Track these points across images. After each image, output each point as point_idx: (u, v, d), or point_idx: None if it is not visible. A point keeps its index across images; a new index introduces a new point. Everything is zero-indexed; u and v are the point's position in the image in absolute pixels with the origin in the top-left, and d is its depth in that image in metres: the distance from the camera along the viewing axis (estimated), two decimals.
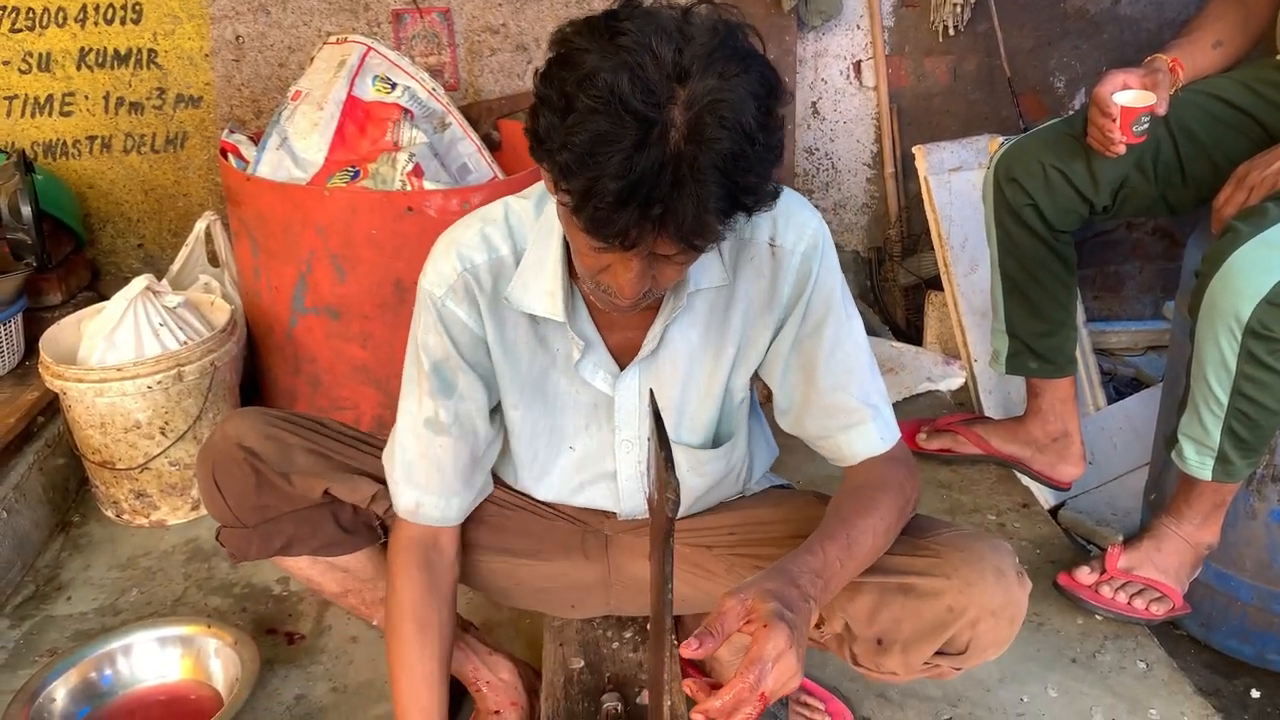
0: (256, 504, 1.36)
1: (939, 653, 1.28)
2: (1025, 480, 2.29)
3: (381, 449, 1.40)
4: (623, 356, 1.32)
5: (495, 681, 1.55)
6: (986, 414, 2.49)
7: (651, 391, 1.01)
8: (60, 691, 1.63)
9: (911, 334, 3.02)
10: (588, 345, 1.29)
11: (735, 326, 1.30)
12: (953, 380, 2.66)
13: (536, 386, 1.35)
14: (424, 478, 1.33)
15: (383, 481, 1.38)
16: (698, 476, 1.40)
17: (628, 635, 1.59)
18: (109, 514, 2.23)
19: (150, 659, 1.73)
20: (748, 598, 1.08)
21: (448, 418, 1.32)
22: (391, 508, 1.37)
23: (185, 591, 2.01)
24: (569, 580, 1.52)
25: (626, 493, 1.41)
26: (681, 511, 1.44)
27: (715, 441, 1.39)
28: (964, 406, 2.62)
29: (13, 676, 1.76)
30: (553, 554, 1.49)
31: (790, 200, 1.25)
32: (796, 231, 1.26)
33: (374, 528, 1.44)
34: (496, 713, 1.54)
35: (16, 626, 1.92)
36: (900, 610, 1.27)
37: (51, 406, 2.25)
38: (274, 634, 1.88)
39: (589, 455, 1.40)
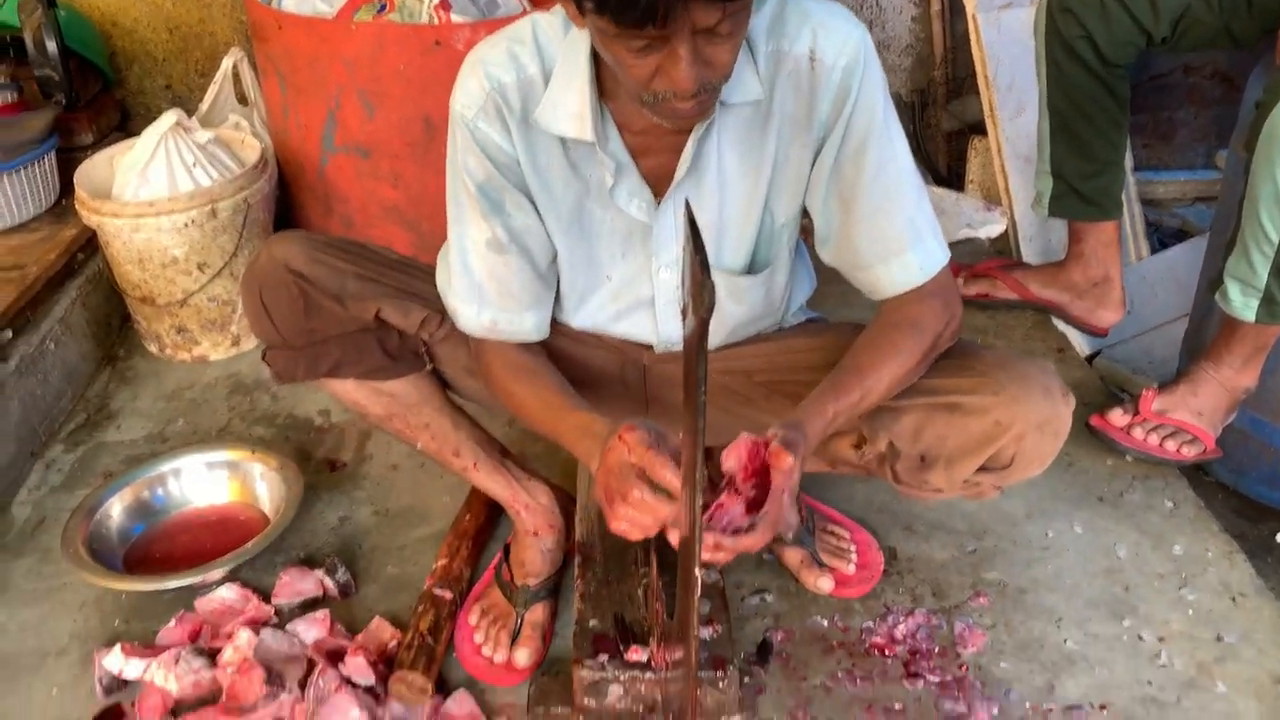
0: (304, 327, 1.37)
1: (981, 469, 1.31)
2: (1062, 326, 2.28)
3: (430, 274, 1.40)
4: (657, 183, 1.30)
5: (533, 505, 1.59)
6: (1026, 261, 2.45)
7: (687, 201, 1.00)
8: (116, 509, 1.70)
9: (953, 180, 2.95)
10: (620, 169, 1.27)
11: (772, 145, 1.26)
12: (993, 226, 2.61)
13: (572, 215, 1.34)
14: (496, 296, 1.33)
15: (432, 308, 1.39)
16: (736, 304, 1.40)
17: None
18: (152, 349, 2.27)
19: (199, 481, 1.79)
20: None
21: (505, 236, 1.31)
22: (439, 331, 1.40)
23: (229, 422, 2.07)
24: (606, 409, 1.54)
25: (663, 319, 1.41)
26: (719, 341, 1.45)
27: (754, 267, 1.38)
28: (1003, 254, 2.57)
29: (70, 496, 1.84)
30: (590, 381, 1.50)
31: (833, 10, 1.20)
32: (838, 44, 1.20)
33: (419, 355, 1.46)
34: (535, 534, 1.58)
35: (71, 451, 1.99)
36: (946, 427, 1.29)
37: (90, 244, 2.26)
38: (317, 462, 1.94)
39: (626, 283, 1.39)
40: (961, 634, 1.51)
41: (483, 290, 1.34)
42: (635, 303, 1.41)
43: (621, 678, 1.33)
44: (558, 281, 1.41)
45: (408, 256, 1.47)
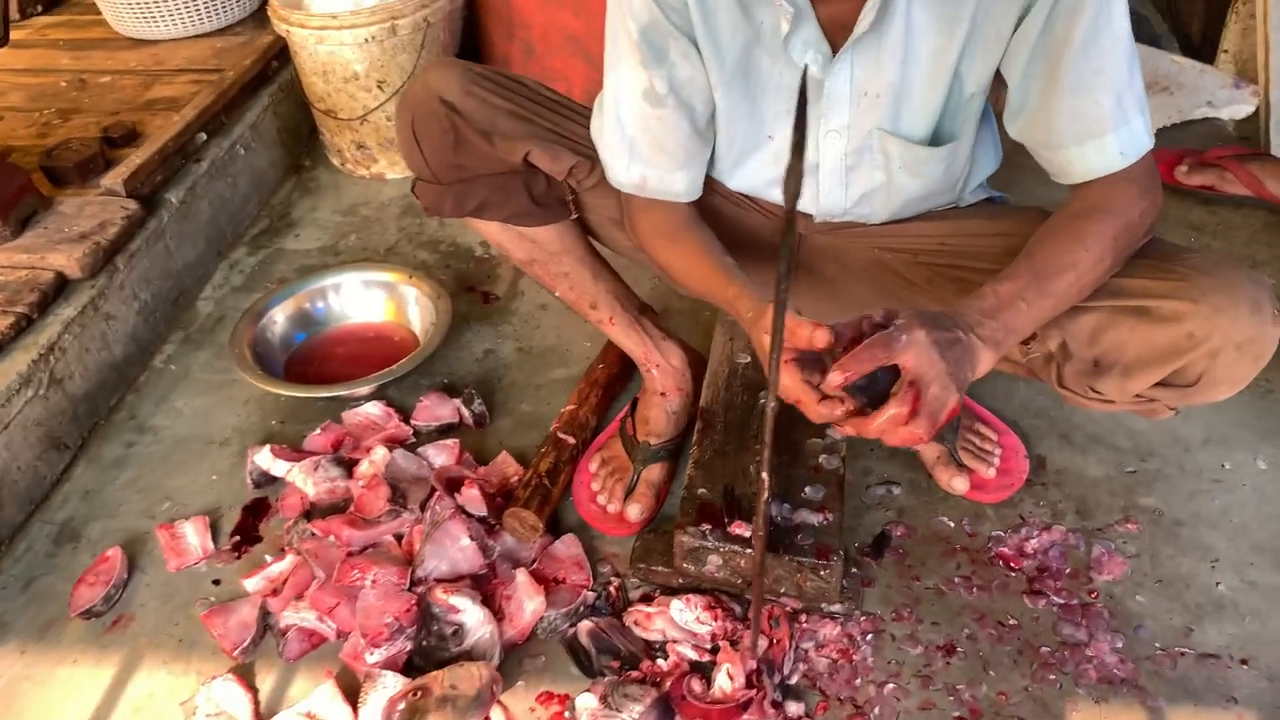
0: (453, 162, 1.36)
1: (1162, 384, 1.18)
2: None
3: (586, 118, 1.35)
4: (835, 35, 1.17)
5: (666, 366, 1.57)
6: (1272, 152, 2.13)
7: (806, 68, 0.88)
8: (280, 316, 1.81)
9: (1204, 50, 2.56)
10: (797, 14, 1.15)
11: (971, 1, 1.11)
12: (1240, 107, 2.27)
13: (737, 64, 1.24)
14: (648, 152, 1.27)
15: (583, 154, 1.34)
16: (911, 177, 1.28)
17: None
18: (334, 162, 2.35)
19: (358, 298, 1.87)
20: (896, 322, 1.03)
21: (663, 87, 1.23)
22: (588, 180, 1.35)
23: (397, 242, 2.13)
24: (757, 273, 1.47)
25: (826, 188, 1.31)
26: (889, 215, 1.35)
27: (936, 139, 1.24)
28: (1248, 141, 2.24)
29: (248, 297, 1.96)
30: (741, 244, 1.43)
31: None
32: None
33: (566, 203, 1.42)
34: (663, 394, 1.57)
35: (253, 254, 2.12)
36: (1129, 333, 1.16)
37: (284, 53, 2.33)
38: (471, 292, 1.98)
39: (789, 145, 1.29)
40: (1099, 558, 1.41)
41: (634, 144, 1.27)
42: None
43: (721, 549, 1.32)
44: (714, 139, 1.33)
45: (565, 97, 1.42)
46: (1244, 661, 1.29)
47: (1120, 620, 1.34)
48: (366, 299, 1.87)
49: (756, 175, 1.35)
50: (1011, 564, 1.42)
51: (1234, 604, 1.36)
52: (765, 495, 0.94)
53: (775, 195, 1.36)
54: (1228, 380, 1.17)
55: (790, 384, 1.03)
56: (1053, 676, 1.27)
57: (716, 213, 1.40)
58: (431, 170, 1.38)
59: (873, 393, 1.02)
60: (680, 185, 1.30)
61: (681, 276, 1.31)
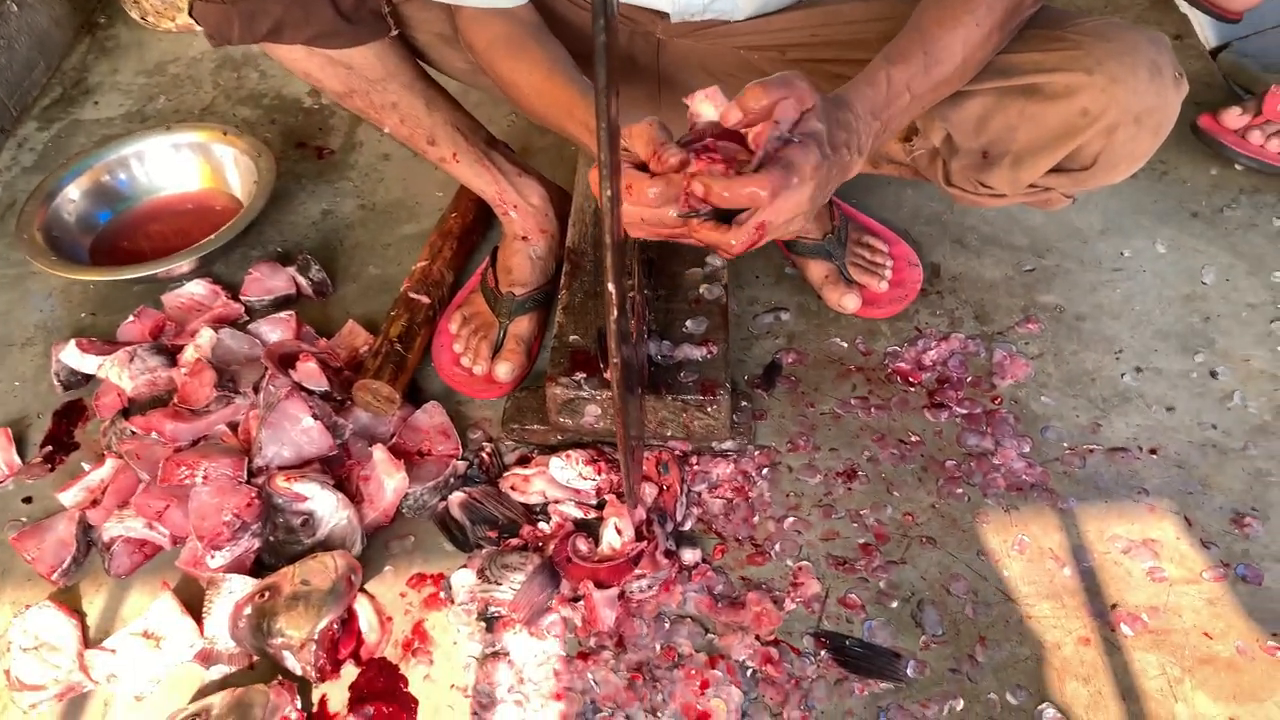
0: None
1: (1056, 169, 1.07)
2: (1185, 7, 1.87)
3: None
4: None
5: (524, 206, 1.40)
6: None
7: None
8: (76, 194, 1.56)
9: None
10: None
11: None
12: None
13: None
14: None
15: None
16: None
17: None
18: (133, 15, 2.04)
19: (167, 166, 1.63)
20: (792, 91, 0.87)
21: None
22: None
23: (214, 100, 1.87)
24: (641, 92, 1.30)
25: None
26: (753, 8, 1.19)
27: None
28: None
29: (41, 179, 1.70)
30: (591, 56, 1.25)
31: None
32: None
33: (382, 16, 1.20)
34: (524, 238, 1.40)
35: (45, 129, 1.84)
36: (1018, 116, 1.04)
37: None
38: (303, 148, 1.75)
39: None
40: (1001, 362, 1.32)
41: None
42: None
43: (598, 397, 1.19)
44: None
45: None
46: (1153, 451, 1.23)
47: (1026, 424, 1.26)
48: (177, 165, 1.63)
49: None
50: (910, 379, 1.32)
51: (1140, 394, 1.29)
52: (614, 314, 0.79)
53: None
54: (1127, 158, 1.06)
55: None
56: (960, 490, 1.19)
57: (561, 20, 1.21)
58: None
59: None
60: None
61: (527, 97, 1.12)
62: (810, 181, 0.86)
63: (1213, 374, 1.30)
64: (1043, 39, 1.04)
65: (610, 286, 0.76)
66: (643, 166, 0.89)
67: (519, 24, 1.13)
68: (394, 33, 1.23)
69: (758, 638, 1.07)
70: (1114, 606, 1.08)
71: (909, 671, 1.03)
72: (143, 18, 2.03)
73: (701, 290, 1.30)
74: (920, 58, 0.97)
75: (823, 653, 1.05)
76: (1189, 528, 1.15)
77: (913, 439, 1.25)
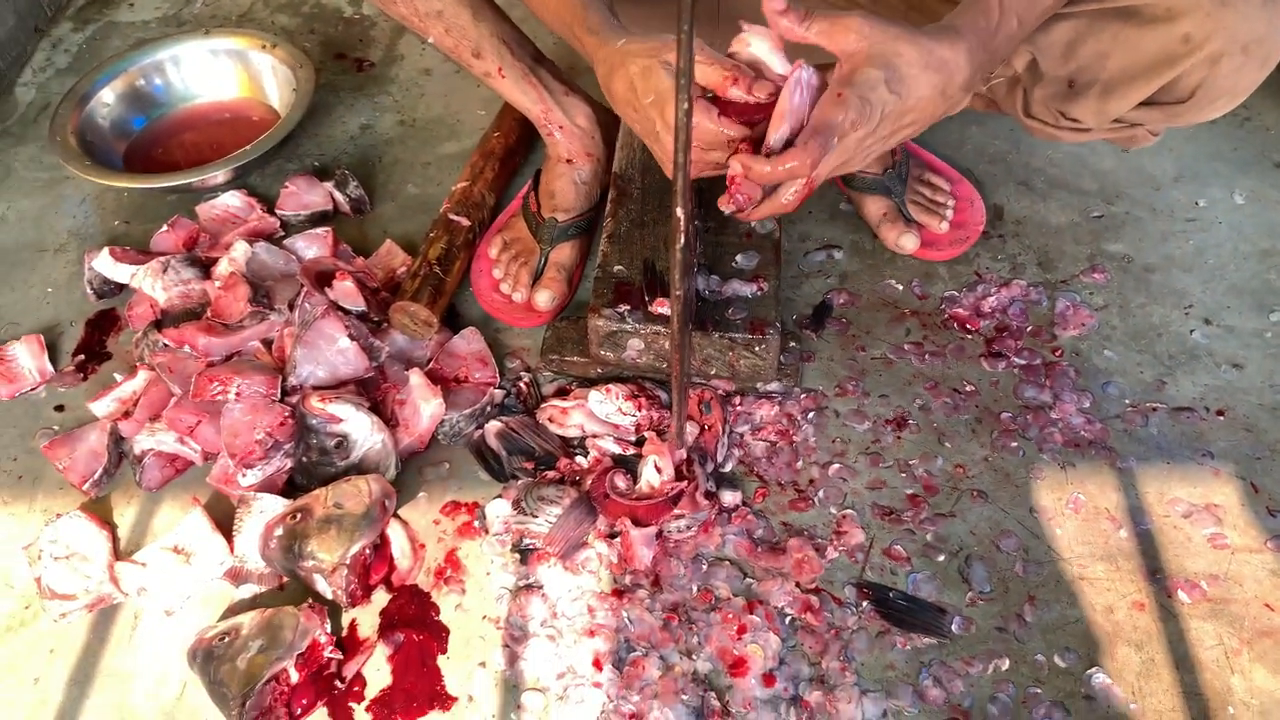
0: None
1: (1148, 102, 1.00)
2: None
3: None
4: None
5: (570, 127, 1.34)
6: None
7: None
8: (110, 98, 1.52)
9: None
10: None
11: None
12: None
13: None
14: None
15: None
16: None
17: None
18: None
19: (203, 73, 1.58)
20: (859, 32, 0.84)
21: None
22: None
23: (252, 6, 1.81)
24: (665, 8, 1.23)
25: None
26: None
27: None
28: None
29: (75, 81, 1.65)
30: None
31: None
32: None
33: None
34: (569, 161, 1.35)
35: (80, 30, 1.79)
36: (1112, 41, 0.97)
37: None
38: (342, 59, 1.70)
39: None
40: (1063, 312, 1.27)
41: None
42: None
43: (642, 331, 1.14)
44: None
45: None
46: (1220, 413, 1.17)
47: (1087, 378, 1.21)
48: (214, 73, 1.58)
49: None
50: (967, 325, 1.27)
51: (1209, 352, 1.23)
52: (679, 243, 0.75)
53: None
54: (1229, 92, 0.99)
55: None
56: (1015, 444, 1.15)
57: None
58: None
59: None
60: None
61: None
62: (858, 129, 0.82)
63: None
64: None
65: (678, 212, 0.71)
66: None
67: None
68: None
69: (798, 585, 1.03)
70: (1167, 573, 1.04)
71: (954, 628, 1.00)
72: None
73: (754, 224, 1.25)
74: None
75: (865, 604, 1.02)
76: (1254, 494, 1.10)
77: (967, 389, 1.20)
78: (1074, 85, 1.03)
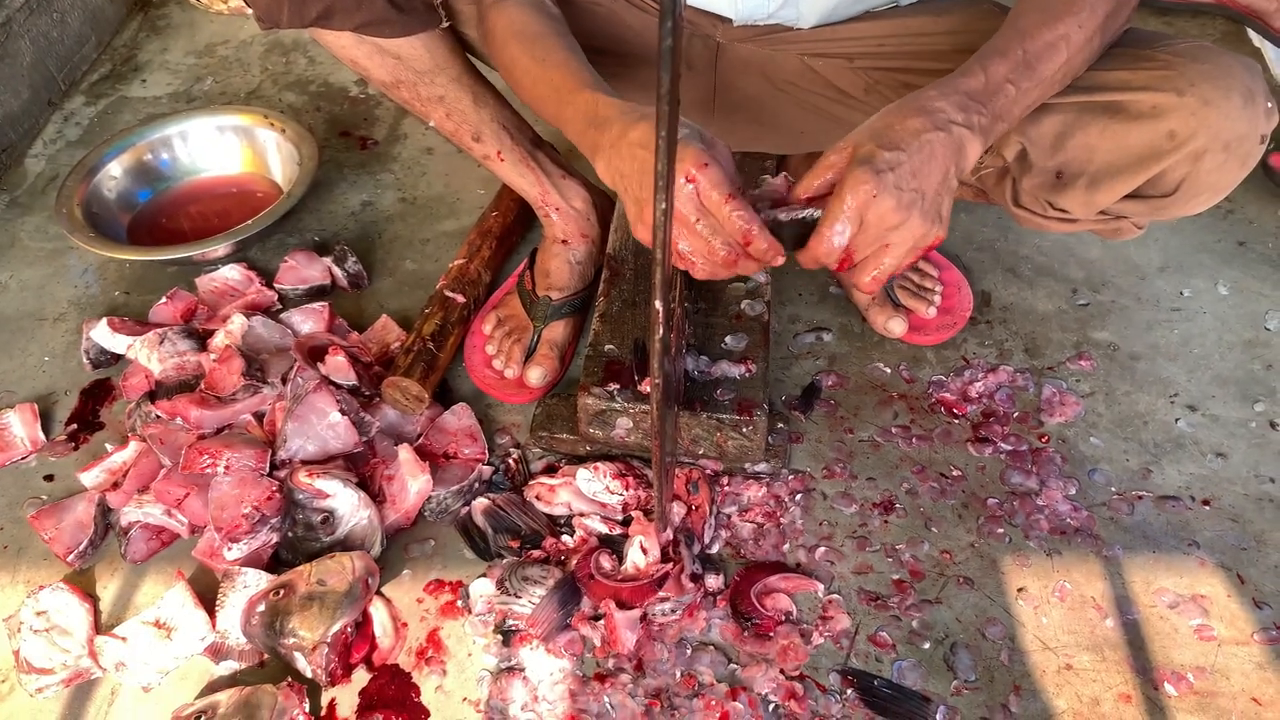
0: None
1: (1133, 196, 1.02)
2: (1258, 41, 1.81)
3: None
4: None
5: (566, 209, 1.37)
6: None
7: None
8: (118, 171, 1.55)
9: None
10: None
11: None
12: None
13: None
14: None
15: None
16: None
17: None
18: None
19: (209, 147, 1.62)
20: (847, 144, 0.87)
21: None
22: None
23: (260, 84, 1.86)
24: (633, 95, 1.27)
25: None
26: (820, 16, 1.15)
27: None
28: None
29: (84, 154, 1.69)
30: (648, 57, 1.21)
31: None
32: None
33: (434, 7, 1.18)
34: (564, 241, 1.37)
35: (92, 104, 1.84)
36: (1099, 135, 0.99)
37: None
38: (346, 137, 1.74)
39: None
40: (1050, 399, 1.28)
41: None
42: None
43: (631, 410, 1.15)
44: None
45: None
46: (1206, 502, 1.17)
47: (1073, 465, 1.21)
48: (219, 148, 1.62)
49: None
50: (954, 410, 1.28)
51: (1195, 441, 1.24)
52: (658, 332, 0.76)
53: None
54: (1211, 188, 1.01)
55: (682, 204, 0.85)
56: (1001, 530, 1.15)
57: (618, 17, 1.19)
58: None
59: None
60: None
61: (528, 82, 1.07)
62: (884, 196, 0.84)
63: (1273, 424, 1.25)
64: (1130, 57, 1.00)
65: (657, 303, 0.73)
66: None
67: (537, 13, 1.09)
68: (445, 24, 1.20)
69: (782, 671, 1.03)
70: (1154, 666, 1.03)
71: (939, 717, 0.99)
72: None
73: (743, 306, 1.26)
74: (1019, 54, 0.91)
75: (850, 691, 1.01)
76: (1241, 585, 1.09)
77: (954, 473, 1.21)
78: (1062, 176, 1.06)
